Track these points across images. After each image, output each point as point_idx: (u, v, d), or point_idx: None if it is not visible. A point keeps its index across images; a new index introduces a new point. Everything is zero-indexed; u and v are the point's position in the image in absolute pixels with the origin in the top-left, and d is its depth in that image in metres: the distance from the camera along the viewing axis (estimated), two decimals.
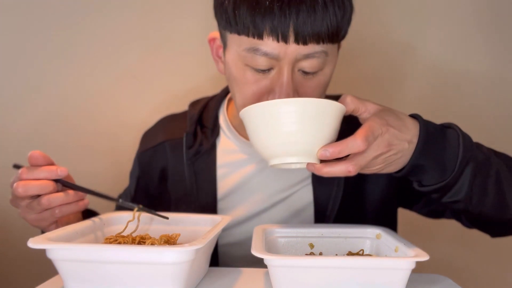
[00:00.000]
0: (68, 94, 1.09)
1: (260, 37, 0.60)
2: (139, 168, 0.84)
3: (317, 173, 0.53)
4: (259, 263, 0.52)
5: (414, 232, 1.00)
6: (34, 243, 0.47)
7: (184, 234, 0.62)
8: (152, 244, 0.55)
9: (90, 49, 1.08)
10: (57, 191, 0.60)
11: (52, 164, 0.61)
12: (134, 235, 0.59)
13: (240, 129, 0.78)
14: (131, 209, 0.65)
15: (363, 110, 0.56)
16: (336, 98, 0.56)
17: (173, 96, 1.09)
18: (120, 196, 0.87)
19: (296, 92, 0.63)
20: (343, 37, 0.66)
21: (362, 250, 0.63)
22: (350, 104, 0.55)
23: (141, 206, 0.64)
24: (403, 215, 0.88)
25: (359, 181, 0.76)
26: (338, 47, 0.69)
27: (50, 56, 1.07)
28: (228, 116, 0.80)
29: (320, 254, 0.63)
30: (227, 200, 0.77)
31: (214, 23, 0.69)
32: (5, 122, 1.08)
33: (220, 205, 0.77)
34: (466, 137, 0.58)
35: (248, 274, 0.61)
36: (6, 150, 1.08)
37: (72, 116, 1.09)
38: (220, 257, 0.77)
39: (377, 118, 0.53)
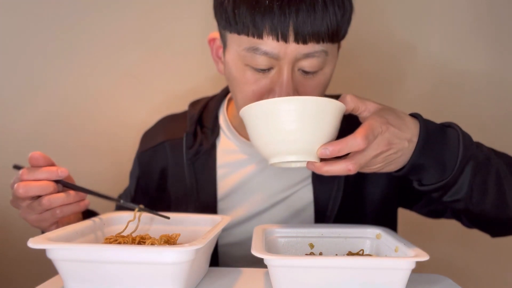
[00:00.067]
0: (68, 94, 1.09)
1: (260, 36, 0.60)
2: (139, 168, 0.84)
3: (317, 171, 0.53)
4: (259, 263, 0.52)
5: (414, 232, 1.00)
6: (34, 243, 0.47)
7: (184, 234, 0.62)
8: (152, 244, 0.55)
9: (90, 49, 1.08)
10: (58, 192, 0.60)
11: (52, 164, 0.61)
12: (134, 235, 0.59)
13: (240, 129, 0.78)
14: (132, 209, 0.65)
15: (363, 109, 0.56)
16: (336, 98, 0.56)
17: (173, 96, 1.09)
18: (120, 196, 0.87)
19: (296, 91, 0.63)
20: (343, 36, 0.66)
21: (362, 250, 0.63)
22: (350, 103, 0.55)
23: (142, 206, 0.64)
24: (403, 215, 0.88)
25: (359, 181, 0.76)
26: (338, 47, 0.69)
27: (50, 56, 1.07)
28: (228, 116, 0.80)
29: (320, 254, 0.63)
30: (227, 200, 0.77)
31: (214, 23, 0.69)
32: (5, 122, 1.08)
33: (220, 205, 0.77)
34: (466, 136, 0.58)
35: (248, 274, 0.61)
36: (6, 150, 1.08)
37: (72, 116, 1.09)
38: (220, 257, 0.77)
39: (377, 116, 0.53)
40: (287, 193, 0.76)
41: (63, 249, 0.48)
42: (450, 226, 0.94)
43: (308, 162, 0.54)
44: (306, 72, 0.63)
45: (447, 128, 0.59)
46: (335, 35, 0.62)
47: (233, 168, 0.77)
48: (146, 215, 0.66)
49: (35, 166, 0.59)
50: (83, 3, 1.06)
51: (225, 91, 0.84)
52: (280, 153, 0.53)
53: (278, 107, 0.51)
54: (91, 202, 0.65)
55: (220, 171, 0.77)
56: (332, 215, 0.74)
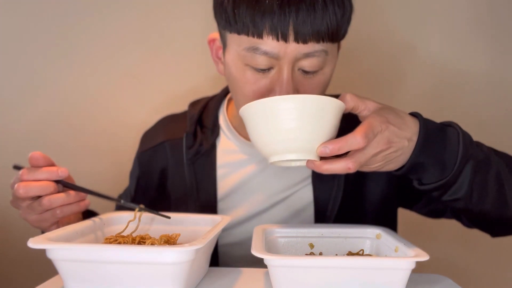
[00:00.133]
0: (68, 94, 1.09)
1: (260, 36, 0.60)
2: (139, 168, 0.84)
3: (317, 170, 0.53)
4: (259, 263, 0.52)
5: (414, 232, 1.00)
6: (34, 243, 0.47)
7: (184, 234, 0.62)
8: (152, 244, 0.55)
9: (90, 50, 1.08)
10: (58, 192, 0.60)
11: (52, 164, 0.61)
12: (134, 235, 0.59)
13: (240, 129, 0.78)
14: (132, 209, 0.65)
15: (363, 108, 0.56)
16: (335, 97, 0.56)
17: (173, 96, 1.09)
18: (120, 196, 0.87)
19: (296, 91, 0.63)
20: (343, 36, 0.66)
21: (362, 250, 0.63)
22: (350, 102, 0.55)
23: (142, 206, 0.64)
24: (403, 215, 0.88)
25: (359, 181, 0.76)
26: (338, 47, 0.69)
27: (50, 56, 1.07)
28: (228, 116, 0.80)
29: (320, 254, 0.63)
30: (227, 200, 0.77)
31: (213, 23, 0.69)
32: (5, 122, 1.08)
33: (220, 205, 0.77)
34: (466, 136, 0.58)
35: (248, 274, 0.61)
36: (6, 150, 1.08)
37: (72, 116, 1.09)
38: (220, 257, 0.77)
39: (377, 115, 0.53)
40: (287, 193, 0.76)
41: (63, 249, 0.48)
42: (450, 226, 0.94)
43: (308, 160, 0.54)
44: (306, 72, 0.63)
45: (447, 127, 0.59)
46: (335, 34, 0.62)
47: (233, 168, 0.77)
48: (146, 215, 0.66)
49: (35, 166, 0.59)
50: (83, 3, 1.06)
51: (225, 91, 0.84)
52: (280, 152, 0.53)
53: (278, 105, 0.51)
54: (91, 202, 0.65)
55: (220, 171, 0.77)
56: (332, 215, 0.74)
